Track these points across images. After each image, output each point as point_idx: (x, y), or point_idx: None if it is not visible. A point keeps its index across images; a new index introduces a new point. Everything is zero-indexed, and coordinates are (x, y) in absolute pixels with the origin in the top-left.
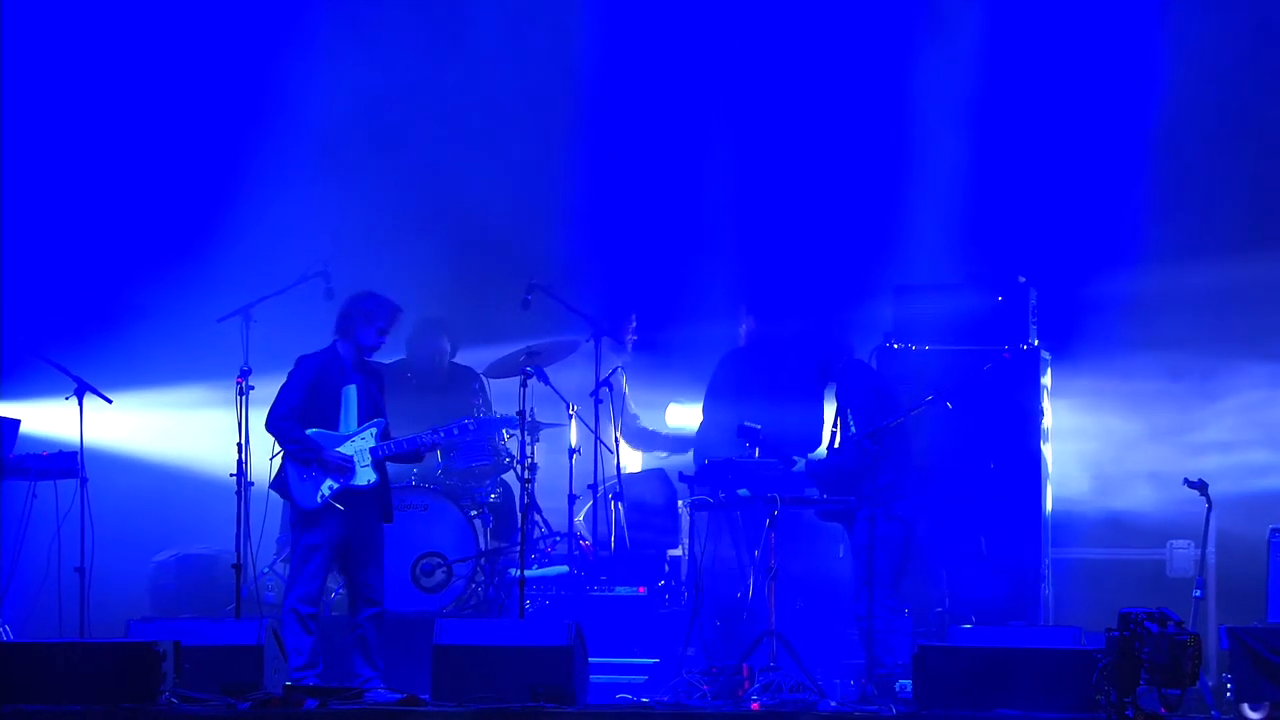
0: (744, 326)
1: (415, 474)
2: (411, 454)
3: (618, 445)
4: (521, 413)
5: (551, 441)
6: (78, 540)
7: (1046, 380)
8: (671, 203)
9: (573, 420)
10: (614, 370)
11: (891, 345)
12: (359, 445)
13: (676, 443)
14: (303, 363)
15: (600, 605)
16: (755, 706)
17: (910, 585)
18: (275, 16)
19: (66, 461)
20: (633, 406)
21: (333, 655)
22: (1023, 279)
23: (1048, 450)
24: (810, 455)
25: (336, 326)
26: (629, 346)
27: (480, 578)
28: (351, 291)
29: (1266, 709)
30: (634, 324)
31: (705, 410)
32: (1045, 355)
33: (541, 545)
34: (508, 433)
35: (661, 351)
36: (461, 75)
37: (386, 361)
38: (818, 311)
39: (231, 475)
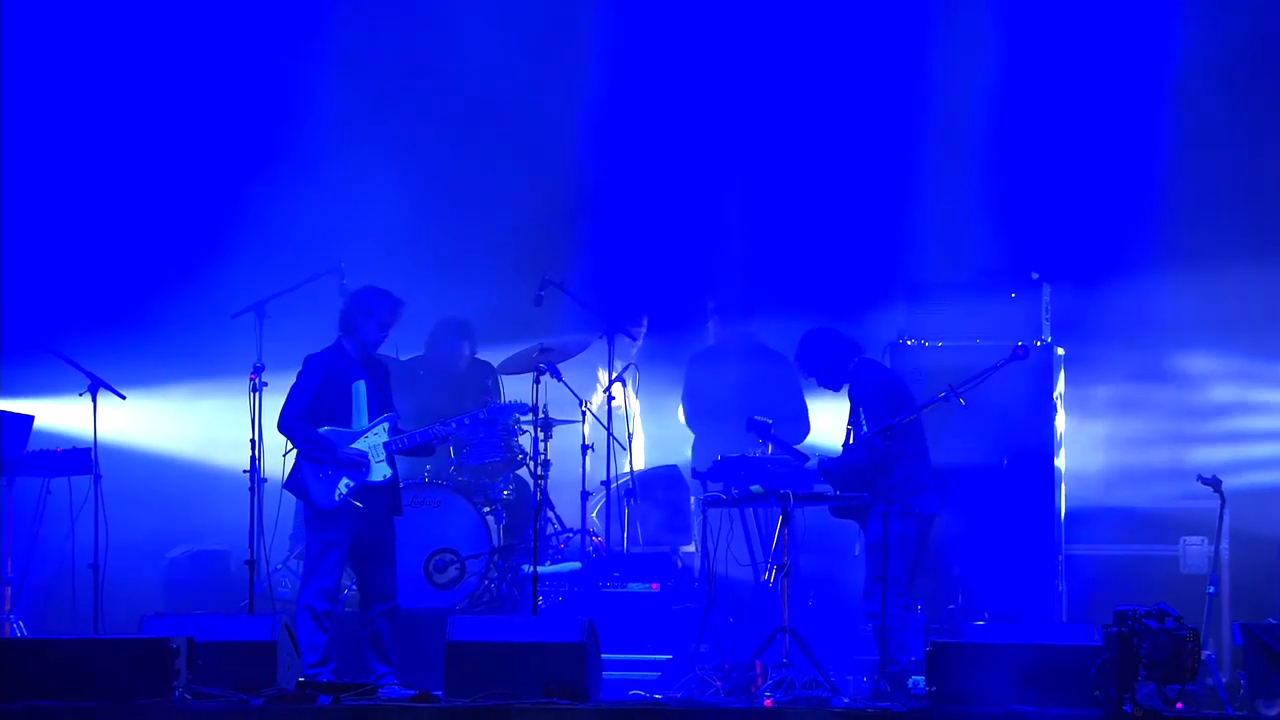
0: (711, 325)
1: (428, 470)
2: (424, 446)
3: (630, 441)
4: (535, 409)
5: (565, 438)
6: (91, 536)
7: (1060, 376)
8: (685, 202)
9: (586, 417)
10: (626, 367)
11: (905, 342)
12: (372, 441)
13: None
14: (310, 362)
15: (613, 601)
16: (768, 703)
17: (923, 582)
18: (288, 13)
19: (80, 458)
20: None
21: (346, 651)
22: (1036, 276)
23: (1061, 446)
24: (801, 447)
25: (340, 323)
26: (634, 351)
27: (493, 574)
28: (356, 288)
29: None
30: (644, 327)
31: (689, 412)
32: (1059, 352)
33: (554, 542)
34: (521, 426)
35: (674, 352)
36: (474, 73)
37: (404, 358)
38: (825, 313)
39: (245, 471)
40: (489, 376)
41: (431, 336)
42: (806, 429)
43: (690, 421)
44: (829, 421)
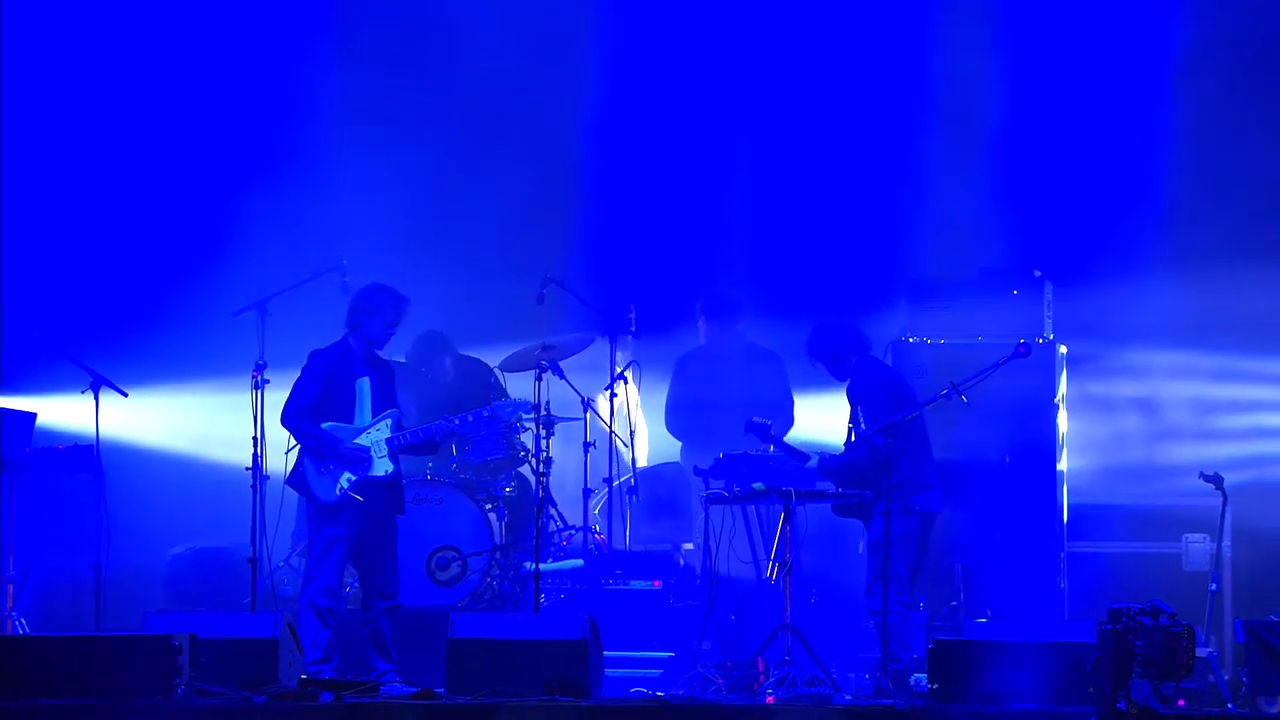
0: (700, 326)
1: (430, 468)
2: (428, 443)
3: (633, 439)
4: (537, 406)
5: (566, 435)
6: (94, 534)
7: (1062, 374)
8: (687, 200)
9: (588, 414)
10: (628, 364)
11: (907, 339)
12: (375, 436)
13: None
14: (315, 358)
15: (615, 599)
16: (770, 700)
17: (926, 579)
18: (290, 12)
19: (82, 455)
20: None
21: (348, 649)
22: (1038, 273)
23: (1063, 444)
24: (803, 446)
25: (346, 320)
26: (628, 343)
27: (495, 571)
28: (361, 285)
29: None
30: (633, 315)
31: (676, 413)
32: (1061, 349)
33: (556, 539)
34: (524, 423)
35: (674, 351)
36: (475, 73)
37: (400, 360)
38: (825, 311)
39: (247, 469)
40: (489, 375)
41: (412, 349)
42: (790, 424)
43: (675, 423)
44: (826, 420)
